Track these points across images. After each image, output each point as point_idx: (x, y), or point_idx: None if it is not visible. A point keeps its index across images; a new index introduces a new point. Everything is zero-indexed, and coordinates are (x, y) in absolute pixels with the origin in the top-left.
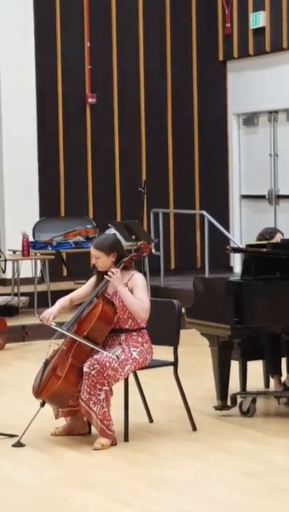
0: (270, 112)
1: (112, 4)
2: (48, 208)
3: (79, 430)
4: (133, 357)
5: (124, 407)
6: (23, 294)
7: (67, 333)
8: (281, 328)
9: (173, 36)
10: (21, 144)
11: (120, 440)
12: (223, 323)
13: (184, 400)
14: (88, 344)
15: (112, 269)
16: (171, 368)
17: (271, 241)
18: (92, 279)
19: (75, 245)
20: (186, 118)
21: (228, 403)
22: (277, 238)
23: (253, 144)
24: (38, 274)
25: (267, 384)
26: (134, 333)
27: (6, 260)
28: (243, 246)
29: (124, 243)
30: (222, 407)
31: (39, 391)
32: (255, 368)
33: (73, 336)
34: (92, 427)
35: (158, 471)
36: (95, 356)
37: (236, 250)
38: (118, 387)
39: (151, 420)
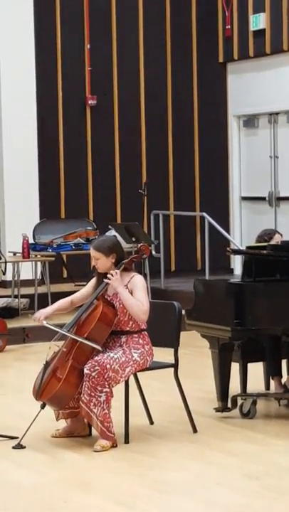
0: (271, 114)
1: (112, 6)
2: (48, 209)
3: (79, 432)
4: (134, 359)
5: (125, 408)
6: (23, 296)
7: (68, 334)
8: (281, 330)
9: (173, 38)
10: (21, 146)
11: (121, 442)
12: (224, 325)
13: (184, 402)
14: (89, 343)
15: (112, 271)
16: (172, 369)
17: (270, 242)
18: (93, 281)
19: (76, 247)
20: (186, 120)
21: (229, 405)
22: (276, 239)
23: (253, 146)
24: (39, 276)
25: (267, 386)
26: (135, 335)
27: (6, 262)
28: (243, 248)
29: (125, 245)
30: (222, 408)
31: (39, 393)
32: (256, 369)
33: (73, 336)
34: (93, 428)
35: (158, 472)
36: (96, 358)
37: (236, 252)
38: (118, 389)
39: (151, 422)
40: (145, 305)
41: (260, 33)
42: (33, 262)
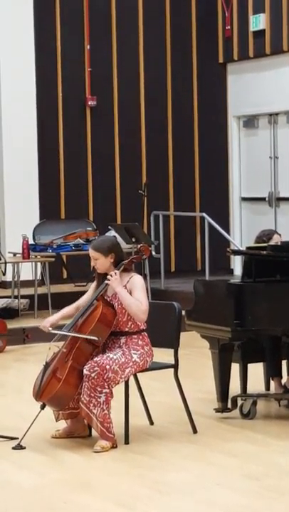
0: (270, 114)
1: (112, 6)
2: (48, 210)
3: (79, 433)
4: (133, 359)
5: (125, 409)
6: (23, 297)
7: (67, 333)
8: (281, 331)
9: (173, 38)
10: (21, 146)
11: (121, 442)
12: (224, 326)
13: (184, 403)
14: (87, 337)
15: (112, 272)
16: (172, 370)
17: (269, 243)
18: (94, 284)
19: (76, 248)
20: (186, 120)
21: (229, 405)
22: (275, 240)
23: (253, 146)
24: (38, 277)
25: (267, 386)
26: (135, 336)
27: (6, 263)
28: (243, 248)
29: (125, 246)
30: (222, 409)
31: (39, 393)
32: (256, 370)
33: (73, 334)
34: (93, 429)
35: (158, 473)
36: (96, 359)
37: (236, 252)
38: (118, 390)
39: (151, 423)
40: (144, 304)
41: (260, 34)
42: (33, 263)
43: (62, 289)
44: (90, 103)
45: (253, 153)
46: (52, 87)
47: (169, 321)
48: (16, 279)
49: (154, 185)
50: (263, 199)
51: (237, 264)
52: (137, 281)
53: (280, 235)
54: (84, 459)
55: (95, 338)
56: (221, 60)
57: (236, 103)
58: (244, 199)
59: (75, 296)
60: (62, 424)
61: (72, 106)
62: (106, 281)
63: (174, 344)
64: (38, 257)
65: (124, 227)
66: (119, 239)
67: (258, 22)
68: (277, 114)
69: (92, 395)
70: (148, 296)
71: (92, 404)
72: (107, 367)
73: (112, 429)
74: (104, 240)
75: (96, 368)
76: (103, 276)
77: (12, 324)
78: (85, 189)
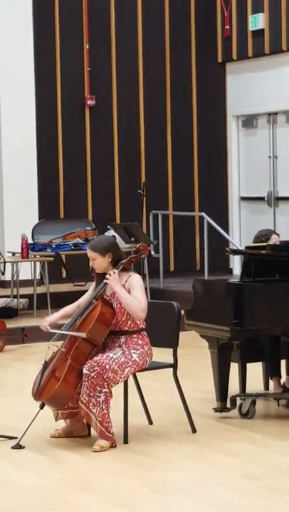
0: (270, 114)
1: (112, 6)
2: (47, 209)
3: (78, 432)
4: (133, 359)
5: (124, 409)
6: (22, 296)
7: (66, 332)
8: (281, 330)
9: (172, 38)
10: (21, 146)
11: (120, 442)
12: (223, 325)
13: (183, 402)
14: (75, 334)
15: (110, 271)
16: (171, 370)
17: (268, 243)
18: (93, 284)
19: (75, 247)
20: (185, 120)
21: (228, 405)
22: (273, 240)
23: (252, 146)
24: (38, 276)
25: (266, 386)
26: (134, 335)
27: (5, 262)
28: (242, 248)
29: (124, 245)
30: (222, 409)
31: (38, 393)
32: (255, 369)
33: (71, 333)
34: (92, 429)
35: (158, 473)
36: (95, 358)
37: (236, 252)
38: (118, 390)
39: (150, 422)
40: (143, 303)
41: (259, 33)
42: (32, 262)
43: (61, 289)
44: (89, 103)
45: (252, 152)
46: (51, 87)
47: (168, 321)
48: (15, 278)
49: (153, 184)
50: (262, 198)
51: (236, 263)
52: (135, 280)
53: (278, 234)
54: (83, 459)
55: (84, 335)
56: (220, 60)
57: (235, 102)
58: (243, 198)
59: (74, 295)
60: (62, 424)
61: (72, 105)
62: (105, 281)
63: (173, 344)
64: (37, 256)
65: (123, 227)
66: (118, 238)
67: (257, 22)
68: (276, 113)
69: (92, 394)
70: (147, 296)
71: (91, 404)
72: (107, 366)
73: (112, 429)
74: (102, 240)
75: (96, 368)
76: (102, 276)
77: (11, 324)
78: (84, 189)
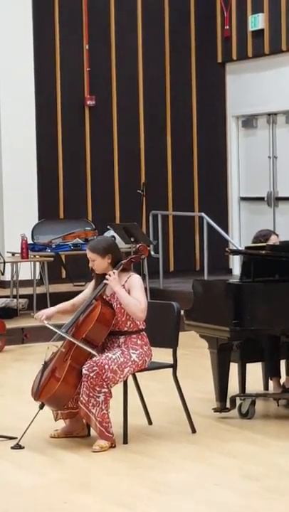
0: (269, 114)
1: (111, 6)
2: (47, 210)
3: (78, 432)
4: (132, 359)
5: (124, 409)
6: (22, 296)
7: (66, 336)
8: (280, 330)
9: (172, 38)
10: (20, 146)
11: (119, 442)
12: (223, 326)
13: (183, 402)
14: (85, 348)
15: (110, 272)
16: (171, 370)
17: (267, 243)
18: (92, 283)
19: (74, 247)
20: (185, 120)
21: (228, 405)
22: (272, 240)
23: (252, 146)
24: (37, 276)
25: (266, 386)
26: (134, 336)
27: (4, 262)
28: (242, 248)
29: (123, 245)
30: (221, 409)
31: (38, 393)
32: (255, 370)
33: (71, 339)
34: (92, 429)
35: (158, 473)
36: (94, 358)
37: (235, 252)
38: (117, 390)
39: (150, 422)
40: (142, 303)
41: (258, 34)
42: (32, 263)
43: (60, 289)
44: (88, 103)
45: (252, 153)
46: (51, 87)
47: (167, 321)
48: (14, 278)
49: (153, 184)
50: (261, 199)
51: (236, 264)
52: (135, 280)
53: (277, 235)
54: (83, 459)
55: (95, 354)
56: (219, 60)
57: (235, 103)
58: (243, 199)
59: (74, 295)
60: (61, 424)
61: (71, 106)
62: (104, 281)
63: (172, 344)
64: (37, 256)
65: (123, 227)
66: (118, 239)
67: (257, 22)
68: (276, 113)
69: (91, 394)
70: (147, 296)
71: (91, 404)
72: (106, 366)
73: (111, 429)
74: (101, 241)
75: (95, 368)
76: (101, 277)
77: (11, 324)
78: (84, 189)
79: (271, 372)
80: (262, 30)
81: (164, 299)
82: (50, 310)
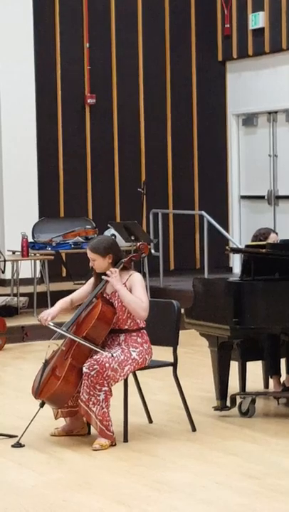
0: (270, 113)
1: (112, 5)
2: (47, 208)
3: (78, 431)
4: (132, 357)
5: (124, 407)
6: (22, 295)
7: (66, 334)
8: (280, 329)
9: (172, 36)
10: (21, 144)
11: (120, 441)
12: (223, 324)
13: (183, 401)
14: (87, 344)
15: (111, 269)
16: (171, 368)
17: (267, 241)
18: (92, 280)
19: (75, 246)
20: (185, 118)
21: (228, 404)
22: (272, 239)
23: (252, 145)
24: (38, 275)
25: (266, 384)
26: (134, 334)
27: (5, 261)
28: (242, 246)
29: (124, 244)
30: (221, 407)
31: (38, 391)
32: (255, 368)
33: (72, 337)
34: (92, 427)
35: (158, 471)
36: (95, 357)
37: (235, 251)
38: (118, 388)
39: (150, 421)
40: (144, 302)
41: (259, 32)
42: (32, 261)
43: (61, 287)
44: (89, 101)
45: (252, 151)
46: (51, 85)
47: (168, 319)
48: (15, 277)
49: (153, 183)
50: (262, 197)
51: (236, 262)
52: (136, 278)
53: (276, 233)
54: (83, 457)
55: (99, 350)
56: (220, 58)
57: (235, 101)
58: (243, 197)
59: None
60: (62, 422)
61: (72, 104)
62: (105, 277)
63: (173, 342)
64: (37, 255)
65: (123, 226)
66: (118, 237)
67: (257, 20)
68: (276, 112)
69: (92, 393)
70: (147, 294)
71: (91, 403)
72: (107, 365)
73: (111, 427)
74: (101, 241)
75: (95, 366)
76: (102, 275)
77: (11, 322)
78: (84, 187)
79: (271, 370)
80: (262, 29)
81: (164, 297)
82: (54, 310)
